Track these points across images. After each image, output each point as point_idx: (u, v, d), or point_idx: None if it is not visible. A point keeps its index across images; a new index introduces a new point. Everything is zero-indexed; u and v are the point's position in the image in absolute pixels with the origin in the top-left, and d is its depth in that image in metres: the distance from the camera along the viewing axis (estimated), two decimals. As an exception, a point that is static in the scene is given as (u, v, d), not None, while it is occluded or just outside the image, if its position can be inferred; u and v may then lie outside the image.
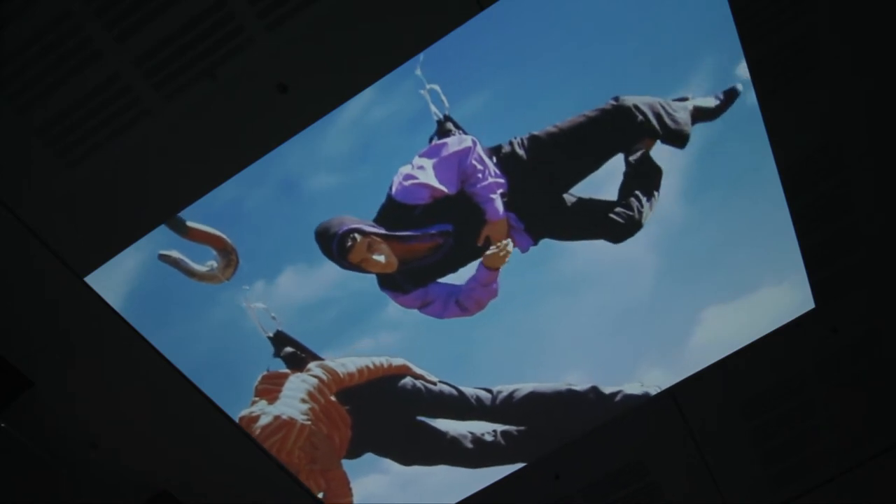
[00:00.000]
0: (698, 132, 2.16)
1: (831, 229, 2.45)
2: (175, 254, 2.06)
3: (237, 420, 2.45)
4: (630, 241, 2.31)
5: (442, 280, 2.27)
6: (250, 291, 2.18)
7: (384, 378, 2.39)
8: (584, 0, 1.92)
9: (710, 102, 2.07)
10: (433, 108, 1.99)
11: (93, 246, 2.07)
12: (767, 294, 2.53)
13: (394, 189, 2.10)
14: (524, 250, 2.24)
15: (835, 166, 2.32)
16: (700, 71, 2.08)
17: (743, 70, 2.09)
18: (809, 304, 2.59)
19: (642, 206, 2.19)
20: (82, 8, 1.74)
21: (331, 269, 2.21)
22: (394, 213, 2.14)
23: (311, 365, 2.31)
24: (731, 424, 2.86)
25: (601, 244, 2.30)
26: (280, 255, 2.18)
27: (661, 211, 2.27)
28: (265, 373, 2.34)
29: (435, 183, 2.10)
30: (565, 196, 2.17)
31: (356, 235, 2.13)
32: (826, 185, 2.35)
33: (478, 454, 2.64)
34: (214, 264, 2.07)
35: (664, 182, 2.20)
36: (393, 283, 2.26)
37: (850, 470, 3.11)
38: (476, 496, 2.80)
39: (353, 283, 2.26)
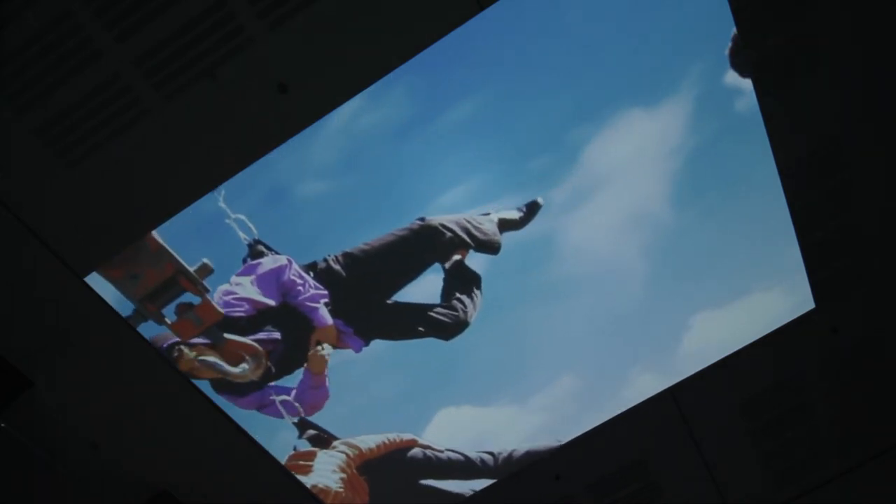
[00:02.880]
0: (697, 132, 2.16)
1: (831, 229, 2.45)
2: (211, 359, 2.28)
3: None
4: (624, 242, 2.32)
5: (278, 382, 2.40)
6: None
7: (396, 451, 2.63)
8: (583, 1, 1.92)
9: (514, 214, 2.20)
10: (241, 235, 2.08)
11: (93, 246, 2.07)
12: (767, 294, 2.53)
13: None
14: (357, 351, 2.37)
15: (835, 166, 2.32)
16: (699, 71, 2.08)
17: (743, 70, 2.09)
18: (809, 304, 2.59)
19: (466, 306, 2.32)
20: (82, 8, 1.75)
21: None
22: (219, 325, 2.25)
23: (337, 443, 2.57)
24: (731, 424, 2.86)
25: (594, 246, 2.31)
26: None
27: (658, 212, 2.28)
28: (292, 452, 2.57)
29: (256, 296, 2.20)
30: (388, 301, 2.29)
31: (182, 347, 2.25)
32: (826, 185, 2.35)
33: None
34: (246, 367, 2.30)
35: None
36: (228, 388, 2.38)
37: (850, 470, 3.11)
38: (476, 496, 2.80)
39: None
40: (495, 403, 2.60)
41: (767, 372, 2.74)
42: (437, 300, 2.32)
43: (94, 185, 1.96)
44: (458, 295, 2.30)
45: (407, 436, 2.60)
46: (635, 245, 2.34)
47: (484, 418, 2.62)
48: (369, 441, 2.59)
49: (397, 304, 2.29)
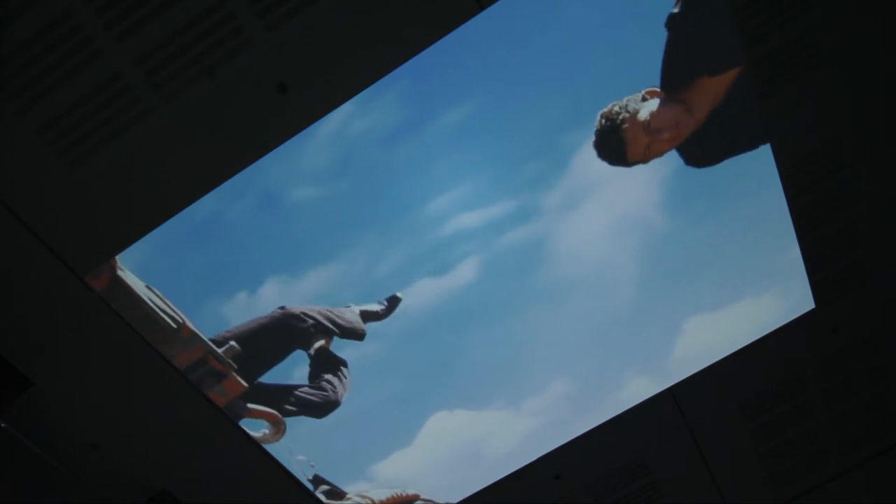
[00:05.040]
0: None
1: (831, 229, 2.45)
2: None
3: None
4: (620, 243, 2.32)
5: None
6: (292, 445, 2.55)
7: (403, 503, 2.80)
8: (581, 4, 1.92)
9: (375, 307, 2.29)
10: None
11: (93, 246, 2.07)
12: (766, 295, 2.53)
13: None
14: None
15: (835, 166, 2.32)
16: (700, 71, 2.08)
17: (743, 70, 2.09)
18: (809, 304, 2.59)
19: (335, 387, 2.41)
20: (82, 8, 1.75)
21: (312, 282, 2.23)
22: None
23: (351, 494, 2.73)
24: (731, 424, 2.86)
25: (588, 249, 2.31)
26: (262, 267, 2.19)
27: (656, 214, 2.28)
28: None
29: None
30: (255, 383, 2.38)
31: None
32: (826, 185, 2.35)
33: None
34: (266, 432, 2.51)
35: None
36: None
37: (850, 470, 3.11)
38: (476, 496, 2.80)
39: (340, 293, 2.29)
40: (489, 407, 2.60)
41: (767, 372, 2.74)
42: (305, 382, 2.41)
43: (95, 184, 1.96)
44: (325, 377, 2.39)
45: (411, 490, 2.75)
46: (634, 247, 2.34)
47: (478, 422, 2.61)
48: (381, 494, 2.73)
49: (261, 384, 2.39)
